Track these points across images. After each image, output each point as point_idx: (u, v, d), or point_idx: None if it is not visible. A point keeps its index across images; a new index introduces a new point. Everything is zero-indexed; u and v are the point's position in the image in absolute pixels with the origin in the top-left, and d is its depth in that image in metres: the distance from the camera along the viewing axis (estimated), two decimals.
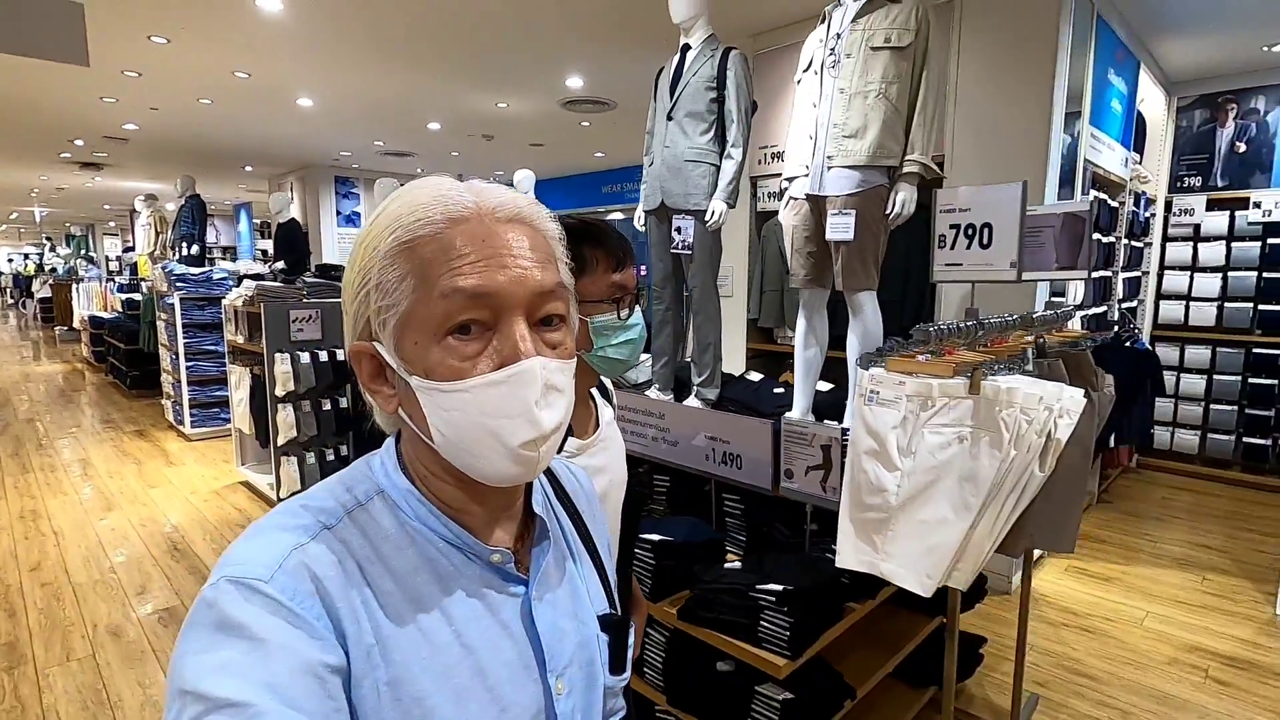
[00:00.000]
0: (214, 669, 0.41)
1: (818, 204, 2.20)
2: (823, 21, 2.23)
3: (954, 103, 3.14)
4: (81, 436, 5.90)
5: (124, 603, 3.03)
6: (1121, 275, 4.33)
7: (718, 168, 2.50)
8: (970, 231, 1.92)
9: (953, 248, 1.94)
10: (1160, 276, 5.00)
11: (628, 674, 0.66)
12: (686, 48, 2.56)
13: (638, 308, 1.09)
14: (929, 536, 1.40)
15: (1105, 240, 3.91)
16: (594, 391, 1.17)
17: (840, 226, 2.09)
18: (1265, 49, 4.11)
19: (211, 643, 0.43)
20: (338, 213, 8.95)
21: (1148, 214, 4.85)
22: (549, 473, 0.70)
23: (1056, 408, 1.38)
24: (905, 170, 2.07)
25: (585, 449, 1.11)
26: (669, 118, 2.56)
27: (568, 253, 0.62)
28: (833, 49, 2.15)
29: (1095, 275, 3.82)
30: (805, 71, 2.28)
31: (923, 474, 1.41)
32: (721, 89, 2.48)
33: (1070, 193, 3.34)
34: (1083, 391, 1.45)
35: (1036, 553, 3.42)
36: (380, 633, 0.49)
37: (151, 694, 2.39)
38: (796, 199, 2.27)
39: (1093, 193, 3.54)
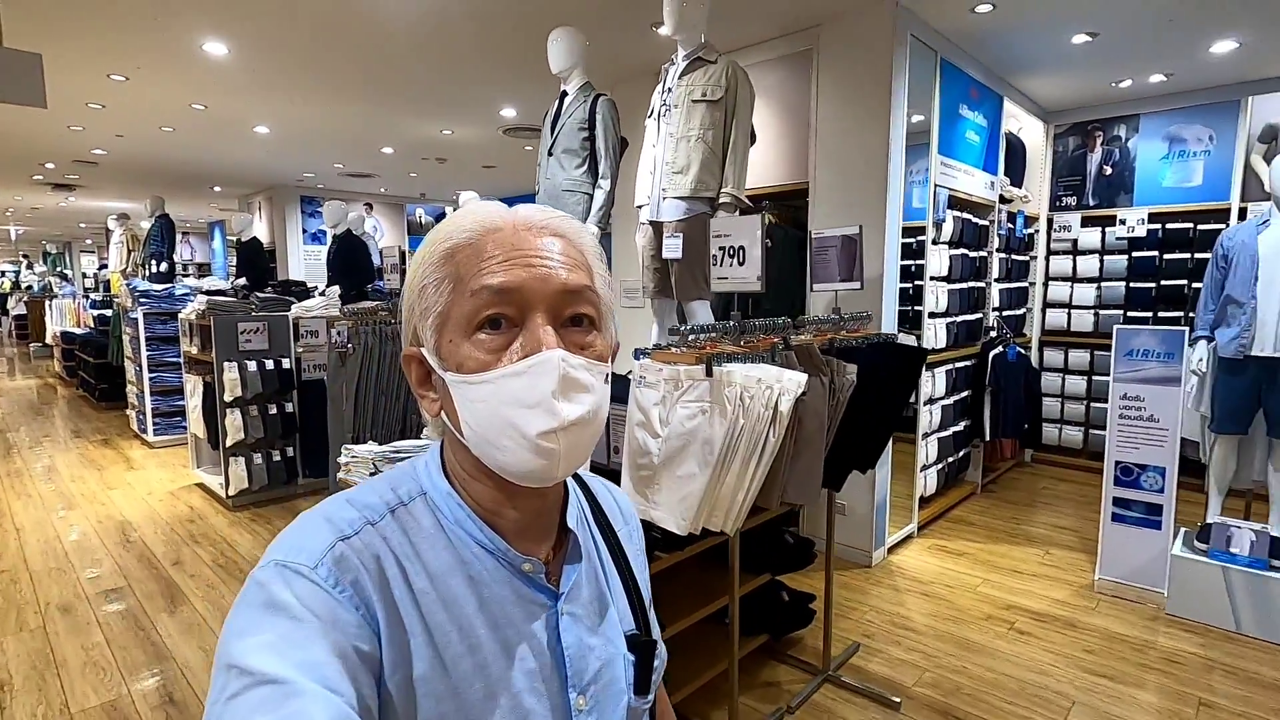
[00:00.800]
0: (258, 646, 0.44)
1: (658, 228, 2.63)
2: (659, 77, 2.68)
3: (815, 136, 3.60)
4: (49, 446, 6.21)
5: (75, 584, 3.37)
6: (998, 286, 4.80)
7: (591, 196, 2.92)
8: (732, 251, 2.34)
9: (721, 265, 2.36)
10: (1046, 287, 5.49)
11: (652, 697, 0.66)
12: (565, 94, 3.00)
13: None
14: (682, 488, 1.82)
15: (972, 255, 4.38)
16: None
17: (672, 247, 2.52)
18: (1113, 85, 4.63)
19: (258, 621, 0.46)
20: (304, 230, 9.31)
21: (1030, 230, 5.35)
22: (587, 492, 0.71)
23: (777, 387, 1.81)
24: (721, 201, 2.51)
25: None
26: (549, 153, 2.99)
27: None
28: (665, 100, 2.59)
29: (965, 286, 4.28)
30: (649, 118, 2.72)
31: (676, 439, 1.82)
32: (592, 129, 2.91)
33: (923, 213, 3.82)
34: (805, 376, 1.87)
35: (903, 533, 3.85)
36: (413, 628, 0.51)
37: (93, 656, 2.74)
38: (643, 224, 2.71)
39: (950, 213, 4.01)
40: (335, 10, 3.43)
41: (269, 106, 5.25)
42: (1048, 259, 5.48)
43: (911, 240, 3.90)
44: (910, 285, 4.20)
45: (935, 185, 3.80)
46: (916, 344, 2.96)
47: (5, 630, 2.94)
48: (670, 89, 2.54)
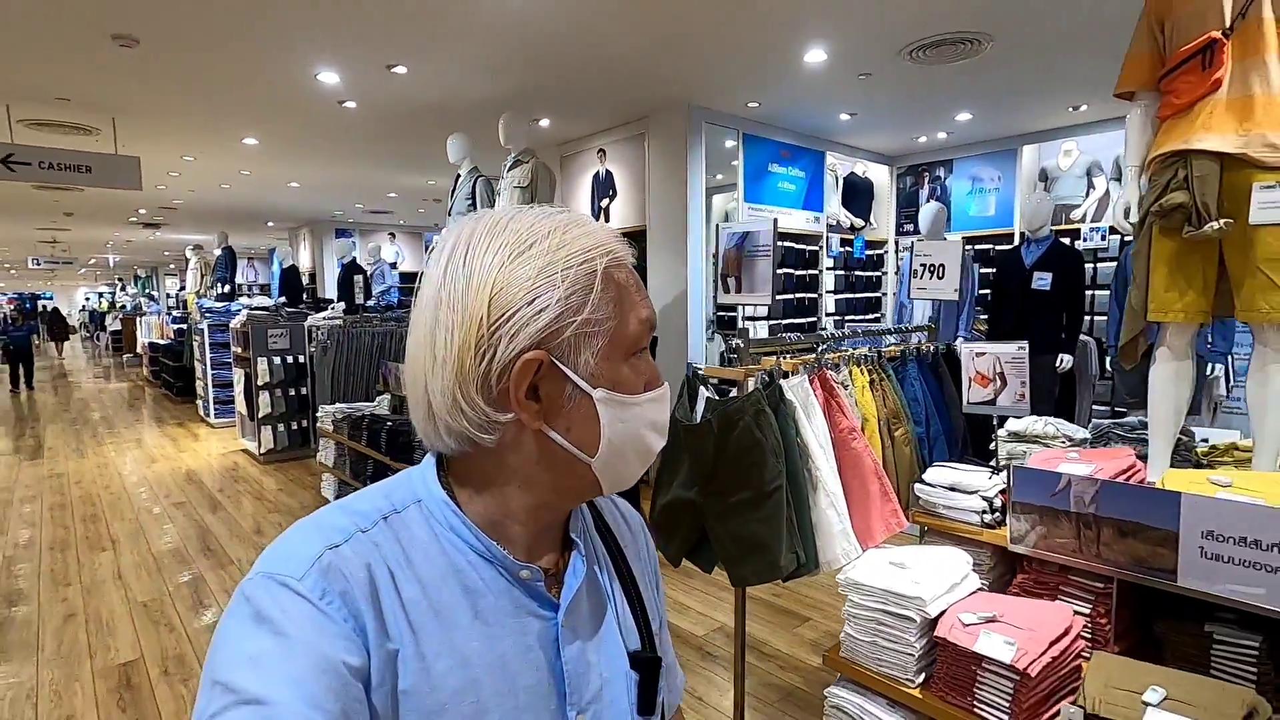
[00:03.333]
0: (244, 661, 0.44)
1: None
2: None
3: (648, 194, 5.12)
4: (139, 427, 8.19)
5: (157, 500, 5.14)
6: (833, 296, 6.16)
7: None
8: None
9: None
10: (895, 296, 6.80)
11: (656, 717, 0.63)
12: (458, 174, 4.61)
13: None
14: None
15: (797, 273, 5.78)
16: None
17: None
18: (913, 139, 5.98)
19: (245, 634, 0.45)
20: (338, 257, 11.28)
21: (879, 251, 6.68)
22: (590, 504, 0.68)
23: None
24: None
25: None
26: (449, 214, 4.61)
27: None
28: (503, 184, 4.16)
29: (787, 296, 5.68)
30: (498, 196, 4.30)
31: None
32: (474, 200, 4.50)
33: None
34: None
35: None
36: (402, 639, 0.50)
37: (167, 532, 4.45)
38: None
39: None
40: (330, 112, 5.14)
41: (294, 170, 7.10)
42: (897, 274, 6.79)
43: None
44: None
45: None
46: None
47: (115, 519, 4.70)
48: (503, 178, 4.10)
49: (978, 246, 6.15)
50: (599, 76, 4.24)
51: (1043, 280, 3.71)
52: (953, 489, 1.81)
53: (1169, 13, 1.71)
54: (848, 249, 6.31)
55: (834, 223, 6.17)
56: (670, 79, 4.31)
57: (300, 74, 4.15)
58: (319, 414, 4.81)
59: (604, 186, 5.60)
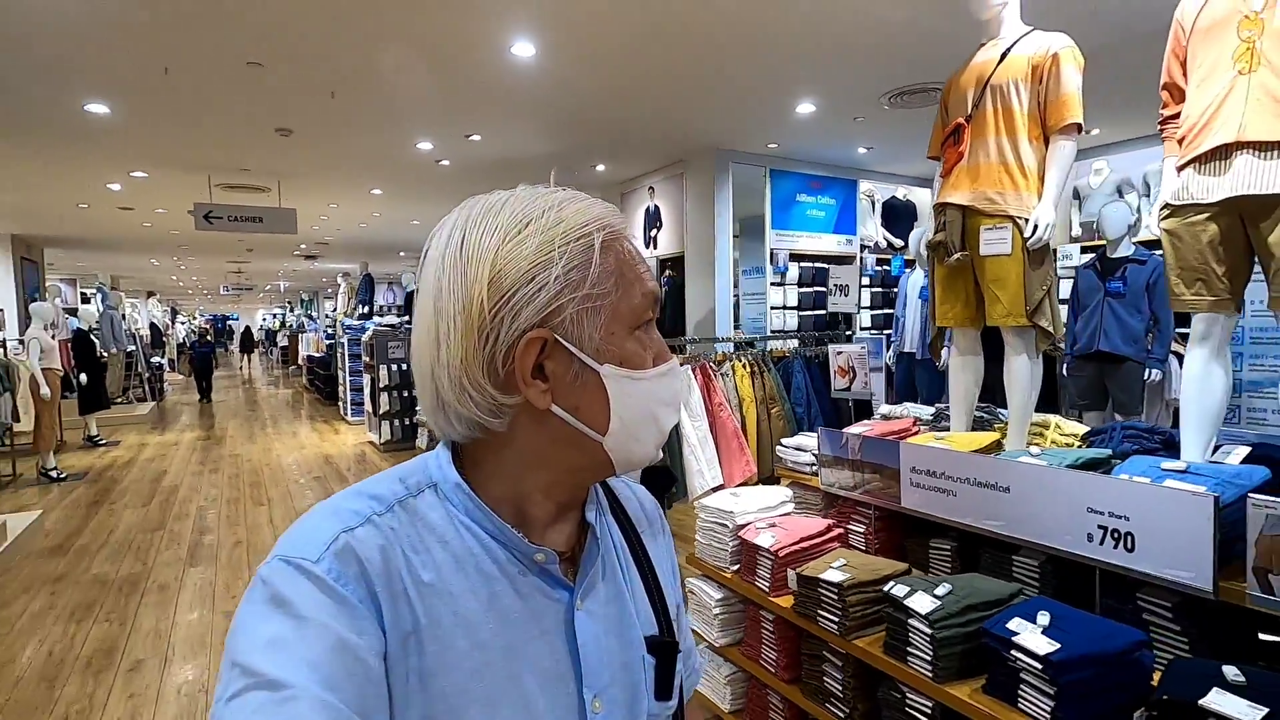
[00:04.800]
0: (262, 643, 0.44)
1: None
2: None
3: (685, 224, 5.96)
4: (296, 424, 10.05)
5: (303, 473, 6.59)
6: (869, 312, 6.65)
7: None
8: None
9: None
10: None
11: (674, 702, 0.63)
12: None
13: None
14: None
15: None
16: None
17: None
18: None
19: (263, 617, 0.46)
20: None
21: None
22: (607, 489, 0.68)
23: None
24: None
25: None
26: None
27: None
28: None
29: (817, 312, 6.27)
30: None
31: None
32: None
33: (776, 265, 5.95)
34: None
35: None
36: (418, 622, 0.50)
37: (306, 495, 5.80)
38: None
39: (795, 264, 6.08)
40: (431, 169, 6.42)
41: (413, 211, 8.59)
42: None
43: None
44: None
45: (771, 249, 5.94)
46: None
47: (271, 486, 6.15)
48: None
49: None
50: (639, 129, 5.15)
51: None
52: (798, 449, 2.51)
53: (946, 100, 2.35)
54: (885, 268, 6.77)
55: (870, 244, 6.67)
56: (699, 127, 5.13)
57: (407, 144, 5.40)
58: (419, 416, 6.03)
59: (653, 219, 6.50)
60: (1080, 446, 2.13)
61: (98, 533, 4.80)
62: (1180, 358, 4.11)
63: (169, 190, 6.93)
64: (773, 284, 6.02)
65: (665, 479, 1.49)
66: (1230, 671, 1.20)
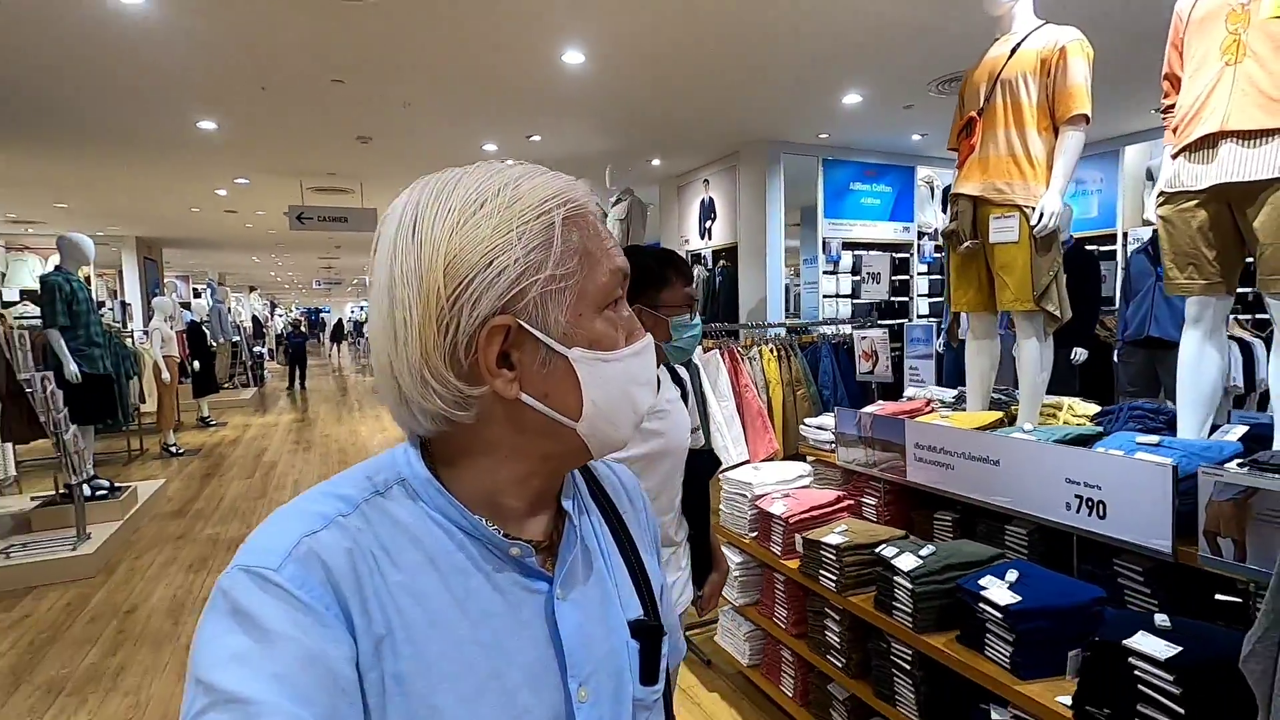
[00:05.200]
0: (226, 658, 0.42)
1: None
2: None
3: (739, 215, 6.10)
4: (378, 408, 10.81)
5: (378, 452, 7.18)
6: (927, 300, 6.59)
7: None
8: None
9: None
10: None
11: (660, 686, 0.61)
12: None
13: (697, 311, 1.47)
14: None
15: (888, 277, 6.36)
16: (658, 372, 1.36)
17: None
18: None
19: (225, 630, 0.43)
20: None
21: None
22: (585, 470, 0.66)
23: None
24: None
25: None
26: None
27: (661, 271, 1.31)
28: (607, 217, 5.44)
29: (864, 300, 6.28)
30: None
31: None
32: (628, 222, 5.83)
33: (829, 254, 6.03)
34: None
35: None
36: (390, 624, 0.48)
37: None
38: None
39: (848, 252, 6.12)
40: None
41: None
42: None
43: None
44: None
45: (823, 238, 6.01)
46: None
47: (355, 459, 6.73)
48: (609, 212, 5.35)
49: (1099, 247, 6.21)
50: (691, 124, 5.33)
51: None
52: (819, 428, 2.67)
53: (962, 94, 2.45)
54: (943, 254, 6.68)
55: (929, 230, 6.61)
56: (750, 120, 5.27)
57: (473, 146, 5.79)
58: None
59: (708, 210, 6.67)
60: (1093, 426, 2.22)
61: (210, 500, 5.45)
62: (1241, 343, 3.97)
63: (267, 194, 7.63)
64: (825, 272, 6.08)
65: (711, 463, 1.58)
66: (1160, 619, 1.33)
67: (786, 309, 6.23)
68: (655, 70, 4.07)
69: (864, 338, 2.81)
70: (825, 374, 3.03)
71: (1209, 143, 1.75)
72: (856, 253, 6.24)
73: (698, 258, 6.83)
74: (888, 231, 6.34)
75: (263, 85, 4.12)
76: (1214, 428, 1.92)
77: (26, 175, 6.48)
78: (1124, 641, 1.29)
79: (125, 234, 10.82)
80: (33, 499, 4.69)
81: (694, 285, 1.45)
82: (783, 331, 3.74)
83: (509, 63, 3.89)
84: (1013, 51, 2.26)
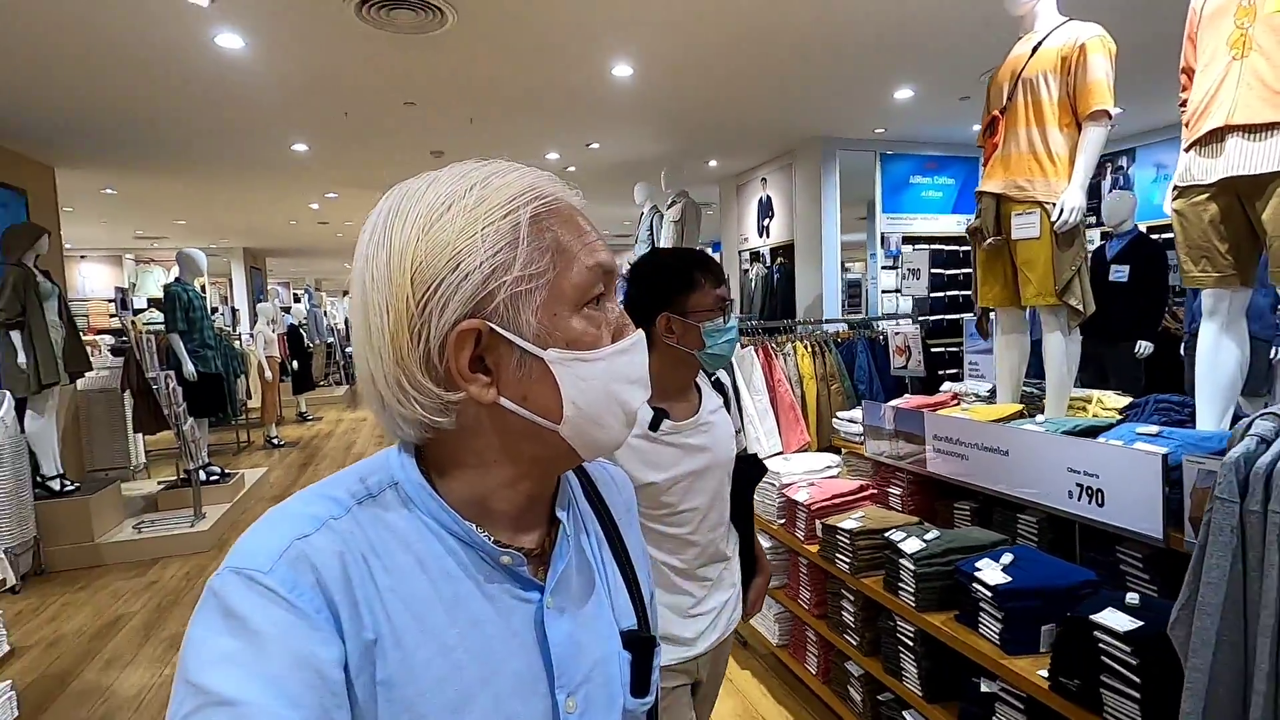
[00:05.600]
0: (215, 660, 0.42)
1: None
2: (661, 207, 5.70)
3: (794, 213, 6.15)
4: None
5: None
6: None
7: None
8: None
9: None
10: None
11: (651, 698, 0.61)
12: (643, 211, 6.20)
13: (734, 315, 1.36)
14: None
15: (948, 272, 6.24)
16: (699, 382, 1.39)
17: None
18: None
19: (215, 632, 0.43)
20: None
21: None
22: (584, 475, 0.66)
23: None
24: None
25: (682, 429, 1.29)
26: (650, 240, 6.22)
27: (688, 275, 1.22)
28: (663, 217, 5.61)
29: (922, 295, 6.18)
30: (648, 222, 5.74)
31: None
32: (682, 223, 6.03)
33: (887, 249, 6.00)
34: None
35: None
36: (379, 629, 0.48)
37: None
38: None
39: (907, 247, 6.06)
40: (560, 174, 7.13)
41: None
42: None
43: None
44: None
45: (882, 232, 5.97)
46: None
47: None
48: (664, 213, 5.53)
49: (1164, 235, 5.90)
50: (744, 126, 5.43)
51: (1119, 273, 3.98)
52: (851, 421, 2.77)
53: (988, 94, 2.49)
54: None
55: None
56: (802, 119, 5.32)
57: (538, 155, 6.10)
58: None
59: (765, 209, 6.74)
60: (1119, 418, 2.23)
61: (305, 486, 6.01)
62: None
63: (354, 206, 8.25)
64: (884, 267, 6.04)
65: (756, 469, 1.56)
66: (1131, 597, 1.40)
67: (858, 304, 6.22)
68: (703, 78, 4.22)
69: (897, 333, 2.87)
70: (861, 369, 3.10)
71: (1217, 136, 1.76)
72: (932, 247, 6.15)
73: (756, 255, 6.91)
74: (950, 224, 6.22)
75: (345, 111, 4.54)
76: (1236, 419, 1.92)
77: (150, 196, 7.31)
78: (1091, 617, 1.37)
79: (234, 246, 11.88)
80: (159, 483, 5.35)
81: (725, 284, 1.34)
82: (843, 327, 3.79)
83: (562, 80, 4.14)
84: (1034, 50, 2.29)
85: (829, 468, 2.65)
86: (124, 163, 5.78)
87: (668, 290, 1.30)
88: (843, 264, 9.63)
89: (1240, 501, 1.01)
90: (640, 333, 0.56)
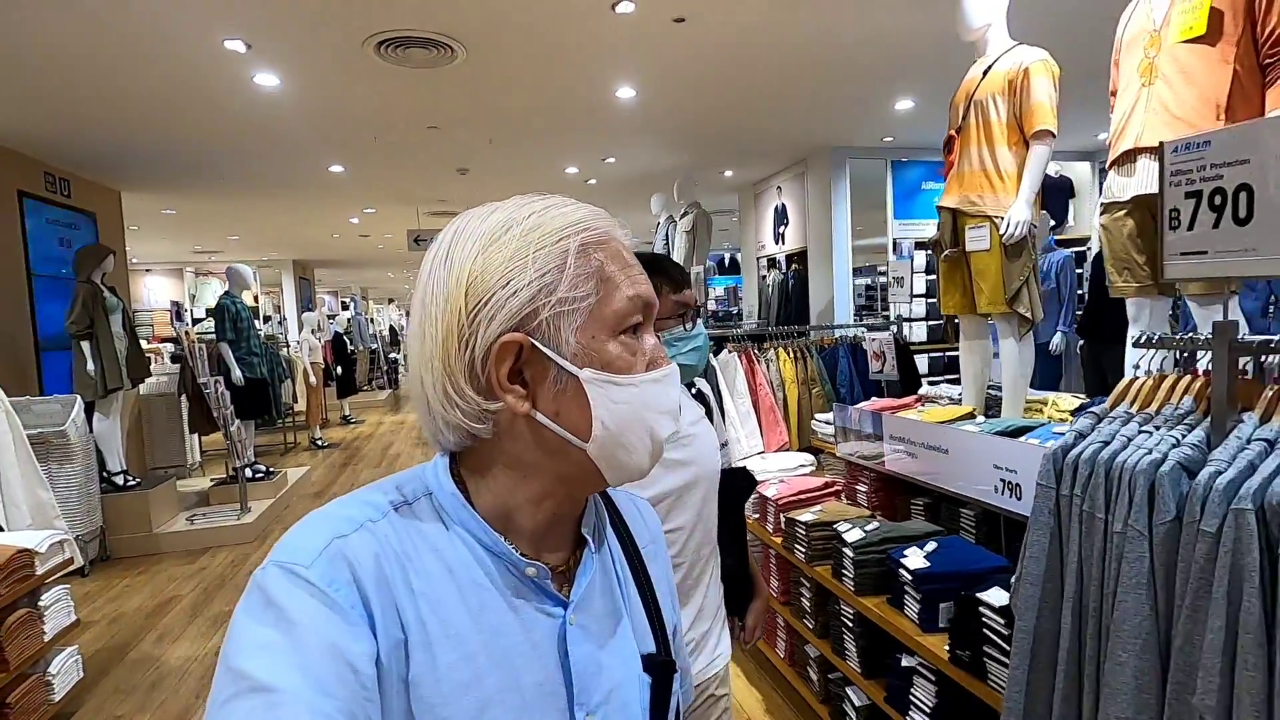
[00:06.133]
0: (254, 647, 0.45)
1: None
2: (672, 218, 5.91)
3: (807, 219, 6.29)
4: None
5: None
6: None
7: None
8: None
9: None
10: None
11: None
12: (661, 219, 6.43)
13: (699, 321, 1.27)
14: None
15: None
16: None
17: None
18: (1093, 136, 5.98)
19: (257, 621, 0.46)
20: None
21: (1079, 249, 6.65)
22: (608, 501, 0.68)
23: None
24: (695, 271, 5.61)
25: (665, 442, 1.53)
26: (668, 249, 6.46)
27: None
28: (675, 227, 5.82)
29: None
30: (662, 231, 5.95)
31: None
32: (694, 234, 6.25)
33: (899, 254, 6.08)
34: None
35: None
36: (408, 630, 0.50)
37: None
38: None
39: (920, 251, 6.13)
40: (581, 187, 7.41)
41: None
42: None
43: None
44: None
45: (894, 239, 6.06)
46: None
47: None
48: (676, 224, 5.75)
49: None
50: (753, 137, 5.60)
51: None
52: (827, 423, 2.94)
53: (950, 114, 2.64)
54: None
55: None
56: (813, 129, 5.47)
57: (557, 170, 6.40)
58: None
59: (781, 217, 6.89)
60: (1070, 420, 2.35)
61: (344, 485, 6.42)
62: None
63: (391, 220, 8.71)
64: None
65: (746, 482, 1.52)
66: (1016, 578, 1.56)
67: (880, 307, 6.32)
68: (706, 95, 4.43)
69: (874, 339, 3.03)
70: (843, 374, 3.26)
71: (1130, 157, 1.90)
72: (917, 253, 6.21)
73: (773, 262, 7.06)
74: None
75: (375, 136, 4.91)
76: None
77: (205, 215, 7.90)
78: (978, 594, 1.54)
79: (283, 258, 12.57)
80: (211, 480, 5.82)
81: (688, 289, 1.29)
82: (829, 334, 3.92)
83: (569, 104, 4.41)
84: (985, 73, 2.44)
85: (801, 466, 2.83)
86: (181, 186, 6.31)
87: None
88: (874, 267, 9.67)
89: (1055, 487, 1.18)
90: (674, 366, 0.59)
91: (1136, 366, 1.33)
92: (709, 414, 1.39)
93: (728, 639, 1.34)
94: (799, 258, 6.55)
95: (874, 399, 2.79)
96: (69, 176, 5.32)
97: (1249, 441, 0.97)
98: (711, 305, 12.04)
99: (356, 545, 0.50)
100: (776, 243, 6.99)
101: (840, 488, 2.63)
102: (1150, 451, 1.04)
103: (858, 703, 2.07)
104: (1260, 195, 0.94)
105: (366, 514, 0.53)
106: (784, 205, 6.82)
